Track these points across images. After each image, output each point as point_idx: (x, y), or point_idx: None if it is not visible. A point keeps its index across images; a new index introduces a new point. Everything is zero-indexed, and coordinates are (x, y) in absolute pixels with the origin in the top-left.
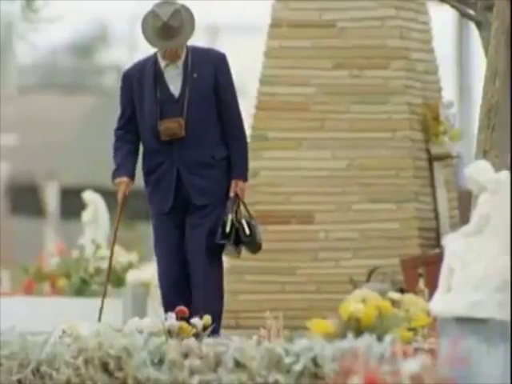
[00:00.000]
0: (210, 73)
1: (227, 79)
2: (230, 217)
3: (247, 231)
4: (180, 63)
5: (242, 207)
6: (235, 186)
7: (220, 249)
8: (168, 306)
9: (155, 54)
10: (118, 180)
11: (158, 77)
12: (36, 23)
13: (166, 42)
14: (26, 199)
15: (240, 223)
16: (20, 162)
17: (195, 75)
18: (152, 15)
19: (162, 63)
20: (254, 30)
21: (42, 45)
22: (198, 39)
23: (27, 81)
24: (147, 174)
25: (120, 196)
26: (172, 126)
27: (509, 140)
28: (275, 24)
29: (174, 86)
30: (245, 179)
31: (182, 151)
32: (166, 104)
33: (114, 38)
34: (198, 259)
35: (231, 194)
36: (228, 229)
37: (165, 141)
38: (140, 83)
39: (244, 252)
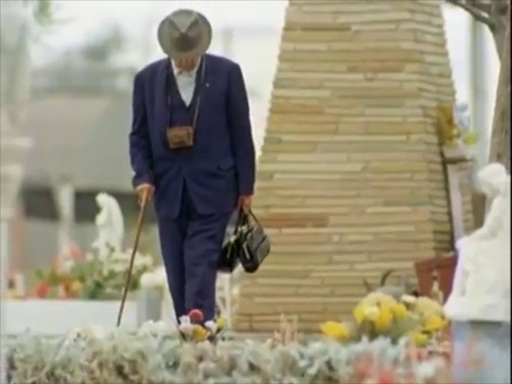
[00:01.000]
0: (223, 83)
1: (240, 90)
2: (232, 240)
3: (247, 256)
4: (193, 71)
5: (248, 221)
6: (241, 203)
7: (217, 257)
8: (178, 310)
9: (169, 58)
10: (139, 187)
11: (170, 83)
12: (49, 25)
13: (183, 52)
14: (40, 202)
15: (241, 248)
16: (34, 165)
17: (208, 85)
18: (169, 25)
19: (175, 70)
20: (268, 33)
21: (55, 47)
22: (213, 43)
23: (41, 83)
24: (156, 179)
25: (143, 203)
26: (180, 134)
27: None
28: (289, 27)
29: (186, 93)
30: (251, 193)
31: (188, 160)
32: (176, 111)
33: (128, 41)
34: (198, 266)
35: (237, 210)
36: (229, 255)
37: (173, 148)
38: (151, 86)
39: None
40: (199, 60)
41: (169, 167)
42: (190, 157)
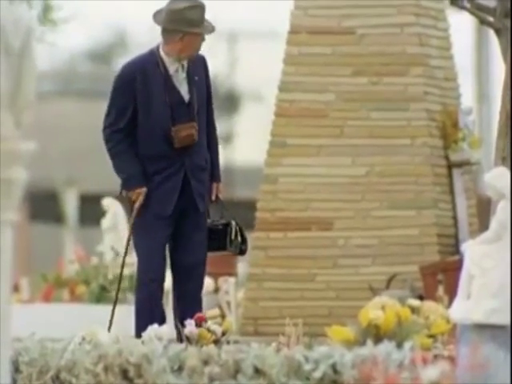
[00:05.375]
0: (203, 75)
1: (210, 82)
2: (233, 223)
3: (239, 238)
4: (185, 65)
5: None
6: (218, 190)
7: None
8: (148, 309)
9: (154, 55)
10: (138, 190)
11: (167, 80)
12: (53, 26)
13: (206, 26)
14: (45, 206)
15: (241, 230)
16: (39, 168)
17: (196, 78)
18: (189, 8)
19: (172, 66)
20: (273, 37)
21: (60, 51)
22: (218, 46)
23: (46, 87)
24: (148, 176)
25: (137, 205)
26: (190, 132)
27: None
28: (294, 31)
29: (183, 89)
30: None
31: (190, 156)
32: (177, 109)
33: (133, 44)
34: (198, 272)
35: (214, 198)
36: (233, 235)
37: (177, 146)
38: (145, 86)
39: (264, 259)
40: None
41: (168, 164)
42: (191, 153)
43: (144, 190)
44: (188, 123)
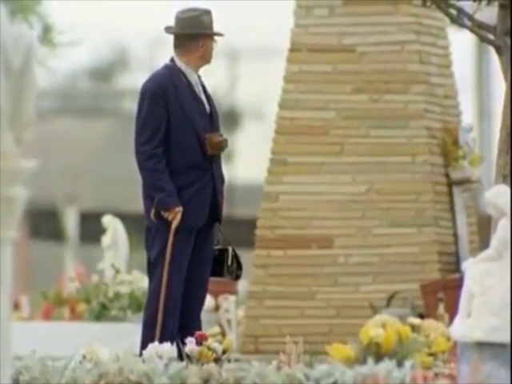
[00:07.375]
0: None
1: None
2: (230, 250)
3: (235, 263)
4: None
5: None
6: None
7: None
8: (170, 329)
9: (173, 68)
10: (177, 209)
11: (192, 90)
12: (54, 49)
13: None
14: (45, 224)
15: (236, 256)
16: (39, 186)
17: (207, 92)
18: (203, 14)
19: (192, 77)
20: (274, 55)
21: (60, 69)
22: (218, 63)
23: (46, 104)
24: (181, 188)
25: (175, 224)
26: (220, 139)
27: None
28: (295, 48)
29: (204, 100)
30: None
31: (217, 167)
32: (203, 119)
33: (133, 62)
34: (203, 288)
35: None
36: (230, 262)
37: (209, 155)
38: (177, 97)
39: (264, 277)
40: None
41: (201, 175)
42: (217, 164)
43: (181, 209)
44: (214, 132)
